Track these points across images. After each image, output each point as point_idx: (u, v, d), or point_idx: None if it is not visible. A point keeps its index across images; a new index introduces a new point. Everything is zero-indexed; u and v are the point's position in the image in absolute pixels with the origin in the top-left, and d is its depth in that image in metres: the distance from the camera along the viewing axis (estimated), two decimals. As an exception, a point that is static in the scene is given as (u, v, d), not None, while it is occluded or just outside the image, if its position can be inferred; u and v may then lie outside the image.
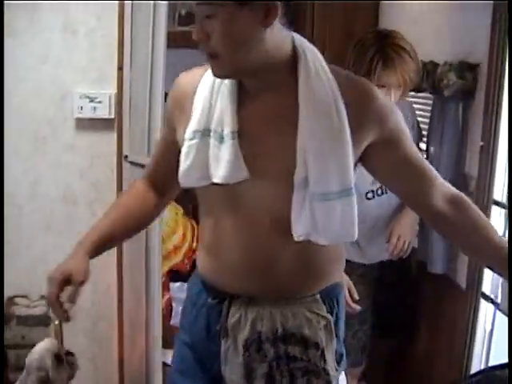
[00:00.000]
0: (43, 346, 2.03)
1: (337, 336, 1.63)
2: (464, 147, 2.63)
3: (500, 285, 2.47)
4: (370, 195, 2.71)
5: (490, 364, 2.49)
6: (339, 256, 1.70)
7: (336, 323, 1.63)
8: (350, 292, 2.70)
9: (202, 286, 1.66)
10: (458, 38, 2.69)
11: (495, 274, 2.43)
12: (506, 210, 2.45)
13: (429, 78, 2.73)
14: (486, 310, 2.58)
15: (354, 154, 1.48)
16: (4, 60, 2.67)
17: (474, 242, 1.60)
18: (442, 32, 2.86)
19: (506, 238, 2.46)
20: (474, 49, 2.55)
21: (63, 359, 2.00)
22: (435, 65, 2.72)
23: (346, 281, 2.70)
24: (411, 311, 3.00)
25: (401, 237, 2.69)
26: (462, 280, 2.66)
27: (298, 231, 1.49)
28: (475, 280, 2.54)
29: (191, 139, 1.51)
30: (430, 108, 2.83)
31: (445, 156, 2.65)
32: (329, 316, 1.60)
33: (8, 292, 2.71)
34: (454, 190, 1.63)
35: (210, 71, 1.49)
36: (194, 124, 1.51)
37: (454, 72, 2.54)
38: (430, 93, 2.77)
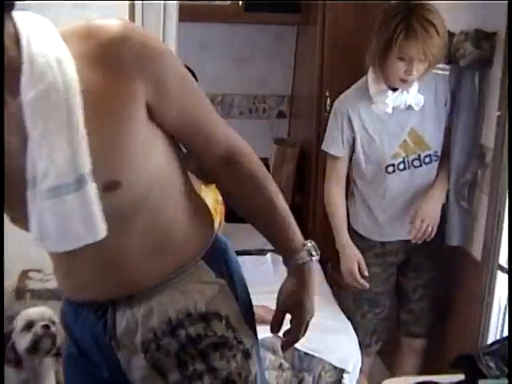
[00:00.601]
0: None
1: (237, 299, 1.46)
2: (480, 118, 2.59)
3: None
4: (390, 169, 2.62)
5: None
6: (201, 209, 1.48)
7: (231, 284, 1.46)
8: (359, 267, 2.67)
9: (75, 305, 1.46)
10: (474, 6, 2.63)
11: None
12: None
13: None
14: (502, 282, 2.55)
15: (131, 123, 1.20)
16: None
17: (254, 208, 1.47)
18: (458, 1, 2.80)
19: None
20: (491, 17, 2.49)
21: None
22: (451, 34, 2.66)
23: (355, 255, 2.68)
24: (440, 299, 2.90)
25: (425, 220, 2.60)
26: (477, 252, 2.63)
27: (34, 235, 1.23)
28: (491, 252, 2.51)
29: None
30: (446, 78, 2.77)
31: (461, 126, 2.61)
32: (220, 280, 1.43)
33: (22, 266, 2.72)
34: (237, 146, 1.42)
35: None
36: None
37: (470, 41, 2.49)
38: (446, 63, 2.72)
